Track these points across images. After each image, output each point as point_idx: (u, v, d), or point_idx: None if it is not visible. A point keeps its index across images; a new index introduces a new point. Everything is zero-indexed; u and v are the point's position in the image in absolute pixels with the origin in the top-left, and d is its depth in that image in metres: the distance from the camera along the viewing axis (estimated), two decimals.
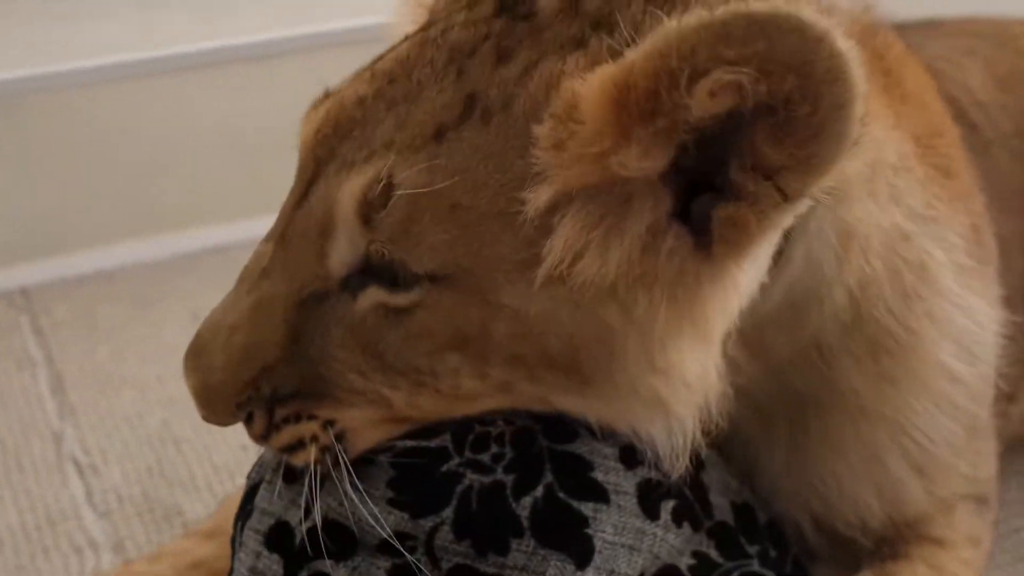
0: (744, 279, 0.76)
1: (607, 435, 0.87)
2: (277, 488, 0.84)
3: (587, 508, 0.85)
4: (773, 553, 1.01)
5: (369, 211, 0.74)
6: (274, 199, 0.86)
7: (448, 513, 0.81)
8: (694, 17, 0.64)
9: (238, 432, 0.85)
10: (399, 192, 0.73)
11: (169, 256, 2.13)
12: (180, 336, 0.88)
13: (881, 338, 0.93)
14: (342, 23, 2.28)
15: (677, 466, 0.82)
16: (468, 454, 0.83)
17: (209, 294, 0.88)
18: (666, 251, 0.72)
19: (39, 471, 1.53)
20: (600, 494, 0.86)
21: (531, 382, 0.79)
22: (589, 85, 0.68)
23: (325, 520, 0.81)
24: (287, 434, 0.82)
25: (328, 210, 0.76)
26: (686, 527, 0.92)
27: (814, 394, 0.97)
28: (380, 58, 0.83)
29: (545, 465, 0.85)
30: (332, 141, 0.78)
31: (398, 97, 0.77)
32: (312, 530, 0.81)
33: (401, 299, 0.76)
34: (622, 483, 0.88)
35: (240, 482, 1.33)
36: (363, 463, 0.83)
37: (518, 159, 0.72)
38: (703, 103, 0.64)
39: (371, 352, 0.78)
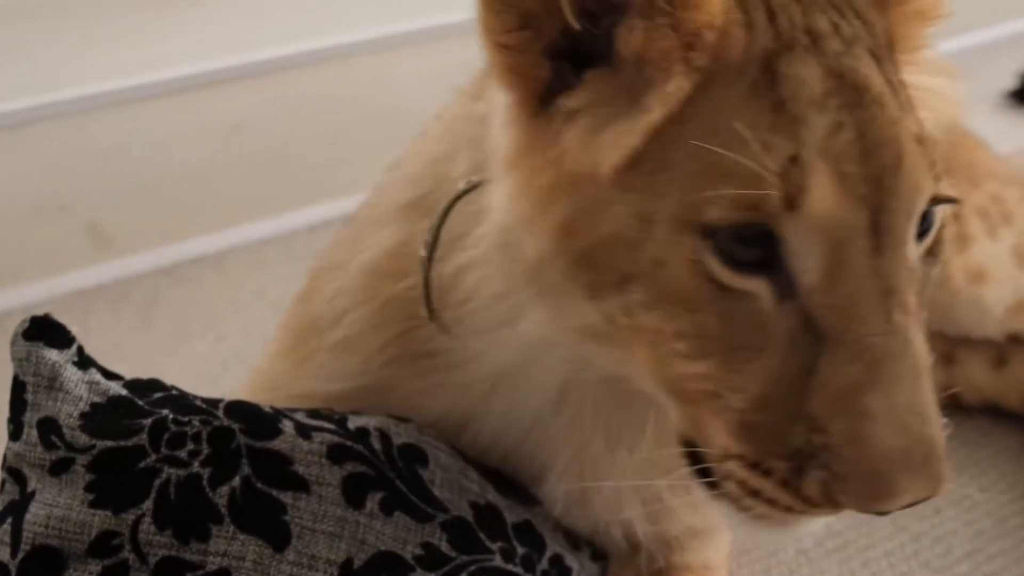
0: None
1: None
2: None
3: (286, 496, 0.99)
4: (522, 551, 1.13)
5: None
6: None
7: (148, 505, 0.94)
8: None
9: None
10: None
11: None
12: None
13: None
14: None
15: None
16: (164, 451, 0.96)
17: None
18: None
19: None
20: (300, 484, 1.00)
21: None
22: None
23: (32, 547, 0.93)
24: None
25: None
26: (400, 516, 1.05)
27: None
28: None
29: (243, 459, 0.98)
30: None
31: None
32: (23, 560, 0.93)
33: None
34: (325, 475, 1.02)
35: None
36: (60, 473, 0.95)
37: None
38: None
39: None
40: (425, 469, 1.10)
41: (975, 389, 1.92)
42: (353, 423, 1.10)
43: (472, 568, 1.07)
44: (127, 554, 0.93)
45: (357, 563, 1.01)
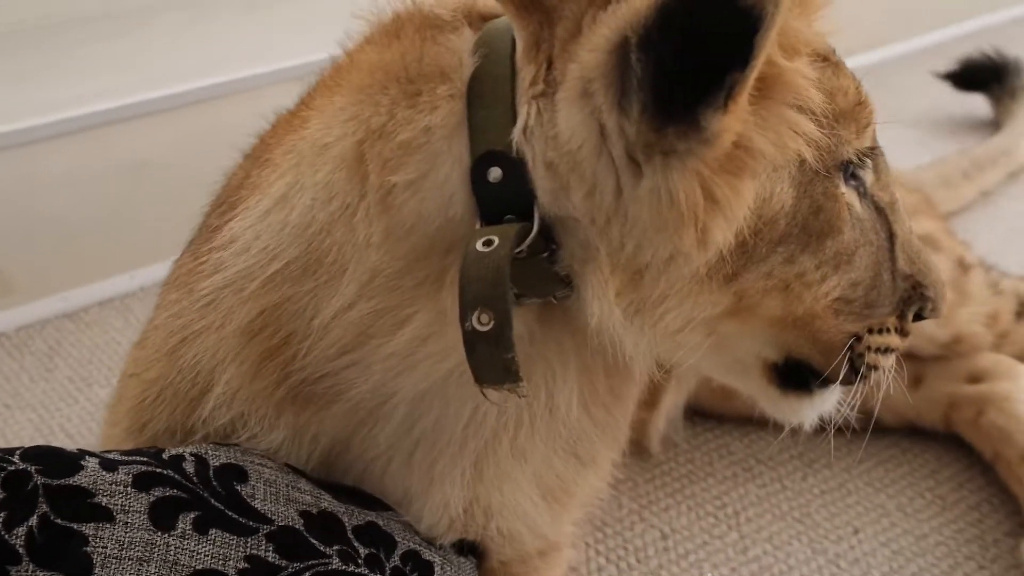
0: None
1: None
2: None
3: (87, 528, 1.04)
4: (365, 551, 1.18)
5: None
6: None
7: None
8: None
9: None
10: None
11: None
12: None
13: None
14: None
15: None
16: None
17: None
18: None
19: None
20: (103, 515, 1.05)
21: None
22: None
23: None
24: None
25: None
26: (217, 533, 1.10)
27: None
28: None
29: (39, 499, 1.03)
30: None
31: None
32: None
33: None
34: (131, 504, 1.07)
35: None
36: None
37: None
38: None
39: None
40: (245, 485, 1.15)
41: (892, 409, 1.93)
42: (168, 453, 1.15)
43: (307, 574, 1.12)
44: None
45: None
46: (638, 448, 1.90)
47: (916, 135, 3.01)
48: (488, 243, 0.99)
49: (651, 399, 1.81)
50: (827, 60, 1.10)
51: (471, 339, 0.98)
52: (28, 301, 2.22)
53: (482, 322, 0.97)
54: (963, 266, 1.91)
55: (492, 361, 0.98)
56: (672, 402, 1.89)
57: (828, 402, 1.25)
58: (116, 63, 2.41)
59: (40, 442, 1.65)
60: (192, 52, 2.52)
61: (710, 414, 2.00)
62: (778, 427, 1.91)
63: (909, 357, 1.90)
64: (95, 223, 2.36)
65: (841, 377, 1.19)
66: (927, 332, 1.85)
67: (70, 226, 2.34)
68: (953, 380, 1.91)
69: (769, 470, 1.90)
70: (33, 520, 1.02)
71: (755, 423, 1.97)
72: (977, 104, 3.06)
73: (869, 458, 1.92)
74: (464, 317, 0.97)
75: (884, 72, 3.42)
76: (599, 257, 1.02)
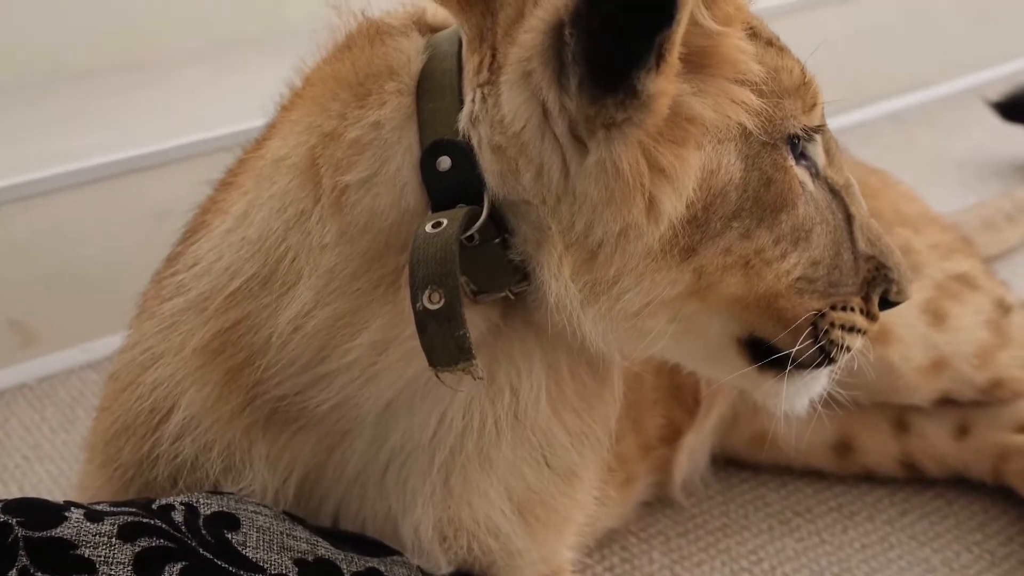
0: None
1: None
2: None
3: None
4: None
5: None
6: None
7: None
8: None
9: None
10: None
11: None
12: None
13: None
14: None
15: None
16: None
17: None
18: None
19: None
20: (85, 567, 1.03)
21: None
22: None
23: None
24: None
25: None
26: None
27: None
28: None
29: (19, 552, 1.02)
30: None
31: None
32: None
33: None
34: (115, 555, 1.05)
35: None
36: None
37: None
38: None
39: None
40: (236, 533, 1.13)
41: (936, 459, 1.90)
42: (158, 502, 1.14)
43: None
44: None
45: None
46: (662, 491, 1.86)
47: (960, 177, 2.97)
48: (437, 225, 1.00)
49: (672, 435, 1.79)
50: (771, 44, 1.13)
51: (422, 319, 0.98)
52: (50, 352, 2.23)
53: (432, 301, 0.97)
54: (1003, 307, 1.86)
55: (444, 340, 0.98)
56: (695, 441, 1.85)
57: (815, 384, 1.25)
58: (137, 113, 2.43)
59: (59, 495, 1.65)
60: (214, 102, 2.53)
61: (744, 463, 1.96)
62: (816, 477, 1.88)
63: (950, 404, 1.86)
64: (116, 273, 2.32)
65: (806, 357, 1.18)
66: (965, 375, 1.80)
67: (91, 276, 2.34)
68: (1002, 429, 1.86)
69: (807, 523, 1.84)
70: (12, 574, 1.00)
71: (792, 473, 1.92)
72: (1022, 146, 3.00)
73: (913, 510, 1.87)
74: (415, 298, 0.98)
75: (928, 113, 3.38)
76: (552, 237, 1.03)
